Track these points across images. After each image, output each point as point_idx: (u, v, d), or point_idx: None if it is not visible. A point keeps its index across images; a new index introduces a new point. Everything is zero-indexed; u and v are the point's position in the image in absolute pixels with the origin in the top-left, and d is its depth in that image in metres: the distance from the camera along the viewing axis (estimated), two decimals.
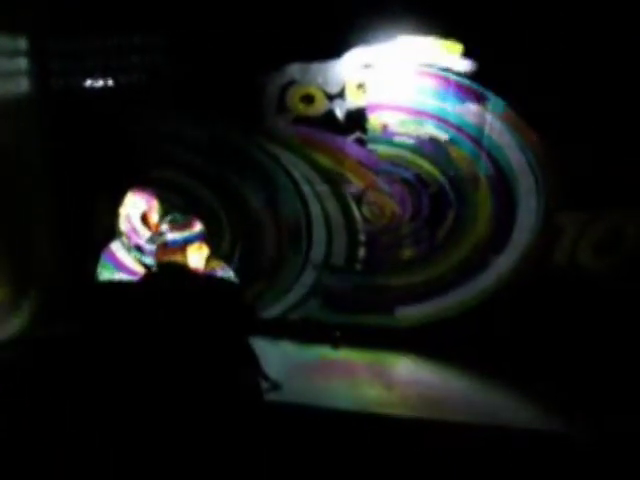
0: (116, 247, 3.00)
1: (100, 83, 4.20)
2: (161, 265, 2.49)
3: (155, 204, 3.03)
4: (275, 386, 3.22)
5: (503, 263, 3.84)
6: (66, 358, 3.52)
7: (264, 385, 2.97)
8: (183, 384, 2.35)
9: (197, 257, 2.48)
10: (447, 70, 3.62)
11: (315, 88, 3.85)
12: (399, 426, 3.05)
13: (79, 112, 4.28)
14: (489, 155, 3.71)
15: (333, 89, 3.82)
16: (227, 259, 3.07)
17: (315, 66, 3.81)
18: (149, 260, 2.89)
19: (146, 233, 2.95)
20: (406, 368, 3.72)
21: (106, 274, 2.94)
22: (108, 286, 2.93)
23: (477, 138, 3.70)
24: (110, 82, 4.18)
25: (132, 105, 4.18)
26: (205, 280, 2.56)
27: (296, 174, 4.06)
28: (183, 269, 2.48)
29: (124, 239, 3.01)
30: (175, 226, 2.47)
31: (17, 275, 4.26)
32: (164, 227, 2.48)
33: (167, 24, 3.95)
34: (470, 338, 3.80)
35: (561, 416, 3.10)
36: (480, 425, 3.00)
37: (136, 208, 2.97)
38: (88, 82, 4.21)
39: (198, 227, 2.53)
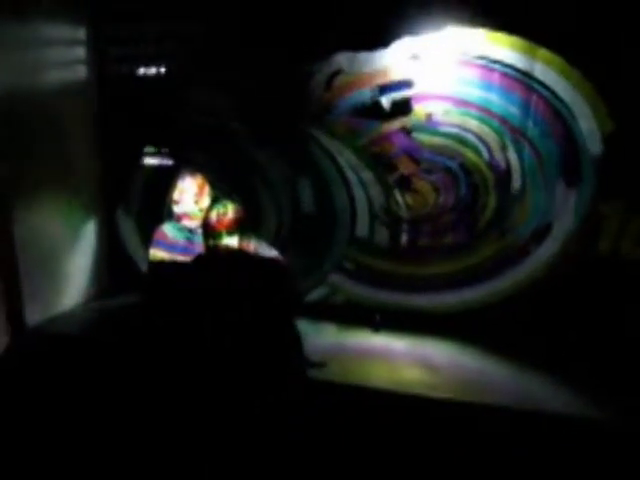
0: (167, 228, 3.11)
1: (154, 69, 4.33)
2: (211, 248, 2.60)
3: (205, 187, 3.13)
4: (320, 365, 3.33)
5: (544, 252, 3.86)
6: (125, 329, 3.65)
7: (308, 364, 3.08)
8: (234, 362, 2.46)
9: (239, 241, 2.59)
10: (493, 61, 3.66)
11: (361, 77, 3.91)
12: (438, 408, 3.08)
13: (133, 99, 4.45)
14: (532, 145, 3.74)
15: (379, 79, 3.88)
16: (271, 242, 3.15)
17: (362, 55, 3.88)
18: (199, 241, 2.99)
19: (197, 216, 3.06)
20: (446, 352, 3.75)
21: (159, 254, 3.05)
22: (163, 265, 3.04)
23: (521, 129, 3.73)
24: (163, 68, 4.31)
25: (183, 91, 4.32)
26: (254, 261, 2.66)
27: (341, 161, 4.14)
28: (233, 252, 2.58)
29: (176, 221, 3.13)
30: (220, 214, 2.58)
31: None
32: (212, 215, 2.60)
33: (217, 10, 4.06)
34: (510, 325, 3.85)
35: (600, 403, 3.09)
36: (518, 409, 3.01)
37: (187, 191, 3.08)
38: (143, 68, 4.35)
39: (241, 215, 2.64)
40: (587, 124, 3.60)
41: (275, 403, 2.48)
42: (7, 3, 3.55)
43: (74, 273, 4.37)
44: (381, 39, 3.81)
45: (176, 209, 3.11)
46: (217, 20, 4.10)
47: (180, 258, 2.98)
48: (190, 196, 3.07)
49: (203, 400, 2.47)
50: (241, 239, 2.60)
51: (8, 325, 3.71)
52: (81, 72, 4.34)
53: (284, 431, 2.53)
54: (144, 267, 3.83)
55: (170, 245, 3.04)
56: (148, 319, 3.00)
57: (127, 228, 4.72)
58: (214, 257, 2.60)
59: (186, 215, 3.09)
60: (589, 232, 3.73)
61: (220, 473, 2.42)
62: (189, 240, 3.05)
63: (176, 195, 3.10)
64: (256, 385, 2.44)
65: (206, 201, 3.10)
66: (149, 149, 4.48)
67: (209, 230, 2.54)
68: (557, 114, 3.64)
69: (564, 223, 3.77)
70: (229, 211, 2.55)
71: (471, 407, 3.06)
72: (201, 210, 3.05)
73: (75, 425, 3.14)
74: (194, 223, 3.07)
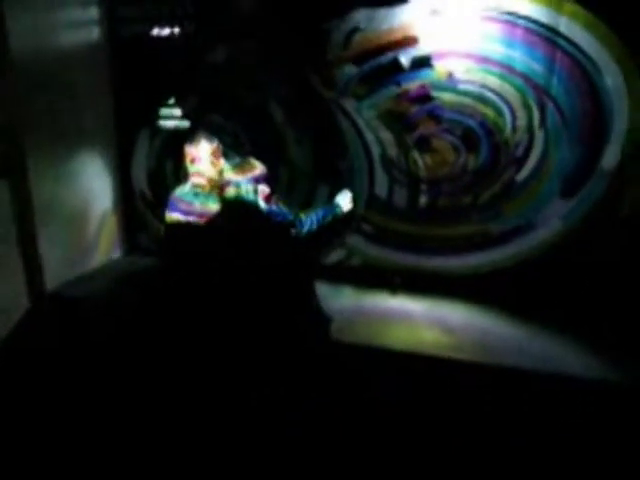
0: (182, 193, 3.08)
1: (167, 30, 4.26)
2: (226, 206, 2.59)
3: (220, 148, 3.09)
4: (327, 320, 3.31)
5: (564, 215, 3.80)
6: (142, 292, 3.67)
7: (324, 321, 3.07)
8: (242, 321, 2.47)
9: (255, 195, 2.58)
10: (517, 16, 3.54)
11: (381, 34, 3.82)
12: (454, 368, 3.10)
13: (147, 59, 4.40)
14: (556, 104, 3.64)
15: (398, 35, 3.78)
16: (288, 201, 3.13)
17: (381, 12, 3.77)
18: (215, 203, 2.97)
19: (214, 176, 3.03)
20: (463, 315, 3.75)
21: (174, 217, 3.04)
22: (178, 227, 3.03)
23: (544, 87, 3.63)
24: (177, 29, 4.24)
25: (197, 52, 4.26)
26: (267, 222, 2.65)
27: (359, 121, 4.08)
28: (247, 211, 2.57)
29: (191, 183, 3.09)
30: (238, 169, 2.56)
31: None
32: (228, 170, 2.58)
33: None
34: (526, 287, 3.82)
35: (617, 366, 3.09)
36: (532, 371, 3.03)
37: (202, 152, 3.03)
38: (155, 29, 4.28)
39: (259, 169, 2.61)
40: (614, 81, 3.47)
41: (290, 363, 2.51)
42: None
43: (92, 237, 4.39)
44: None
45: (191, 168, 3.07)
46: None
47: (196, 221, 2.97)
48: (206, 157, 3.03)
49: (218, 361, 2.51)
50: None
51: (28, 289, 3.75)
52: (94, 32, 4.30)
53: (302, 391, 2.56)
54: (160, 230, 3.83)
55: (185, 210, 3.02)
56: (164, 281, 3.01)
57: (143, 191, 4.71)
58: (228, 218, 2.59)
59: (200, 174, 3.05)
60: (612, 194, 3.63)
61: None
62: (205, 204, 3.02)
63: (192, 155, 3.06)
64: (269, 346, 2.45)
65: (222, 163, 3.07)
66: (164, 111, 4.43)
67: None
68: (583, 71, 3.52)
69: (587, 184, 3.68)
70: (244, 164, 2.56)
71: (487, 369, 3.08)
72: (218, 172, 3.02)
73: (90, 388, 3.18)
74: (207, 184, 3.04)
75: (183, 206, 3.01)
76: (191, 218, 2.98)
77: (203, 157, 3.00)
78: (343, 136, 4.15)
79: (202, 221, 2.91)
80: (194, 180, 3.05)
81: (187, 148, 3.06)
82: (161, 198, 3.25)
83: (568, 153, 3.70)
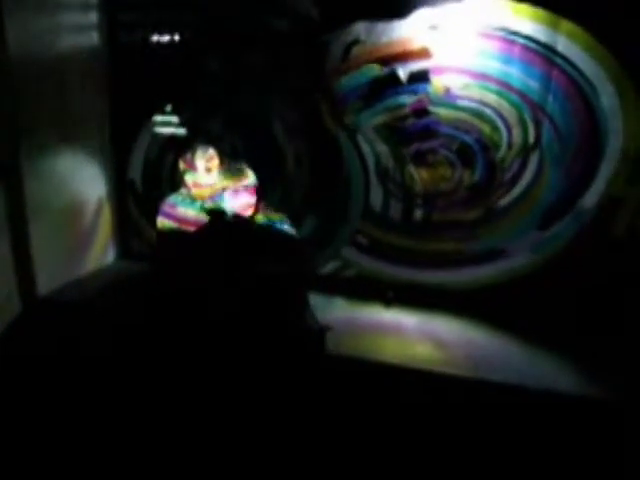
0: (176, 200, 3.08)
1: (167, 36, 4.26)
2: (217, 215, 2.60)
3: (216, 158, 3.09)
4: (327, 328, 3.31)
5: (559, 232, 3.82)
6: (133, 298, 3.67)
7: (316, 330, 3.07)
8: (238, 331, 2.47)
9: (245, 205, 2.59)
10: (515, 34, 3.56)
11: (379, 47, 3.83)
12: (446, 383, 3.10)
13: (145, 63, 4.39)
14: (551, 122, 3.66)
15: (397, 49, 3.80)
16: (283, 212, 3.12)
17: (380, 25, 3.79)
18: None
19: (208, 186, 3.03)
20: (455, 329, 3.75)
21: (167, 224, 3.04)
22: (170, 235, 3.03)
23: (540, 104, 3.65)
24: (177, 35, 4.24)
25: (197, 59, 4.26)
26: (262, 230, 2.65)
27: (356, 133, 4.08)
28: (240, 219, 2.57)
29: (186, 192, 3.09)
30: (231, 177, 2.57)
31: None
32: (222, 178, 2.58)
33: None
34: (521, 303, 3.83)
35: (607, 384, 3.10)
36: (525, 387, 3.03)
37: (198, 161, 3.03)
38: (155, 35, 4.28)
39: (250, 178, 2.62)
40: (610, 102, 3.50)
41: (282, 374, 2.51)
42: None
43: (85, 241, 4.37)
44: (400, 9, 3.72)
45: (187, 178, 3.07)
46: None
47: (189, 229, 2.97)
48: (202, 166, 3.03)
49: (209, 369, 2.51)
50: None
51: (20, 293, 3.73)
52: (93, 37, 4.28)
53: (290, 402, 2.56)
54: (153, 236, 3.83)
55: (178, 217, 3.02)
56: (156, 288, 3.01)
57: (137, 196, 4.70)
58: (221, 227, 2.60)
59: (197, 184, 3.05)
60: (606, 212, 3.66)
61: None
62: (200, 213, 3.02)
63: (188, 164, 3.06)
64: (266, 354, 2.46)
65: (216, 173, 3.06)
66: (161, 118, 4.43)
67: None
68: (579, 90, 3.55)
69: (582, 203, 3.70)
70: (236, 172, 2.58)
71: (479, 384, 3.08)
72: (213, 181, 3.03)
73: (82, 393, 3.16)
74: (203, 193, 3.04)
75: (176, 214, 3.02)
76: (184, 226, 2.99)
77: (199, 166, 3.00)
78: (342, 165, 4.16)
79: (195, 229, 2.92)
80: (189, 188, 3.06)
81: (183, 157, 3.07)
82: (154, 204, 3.23)
83: (562, 171, 3.71)
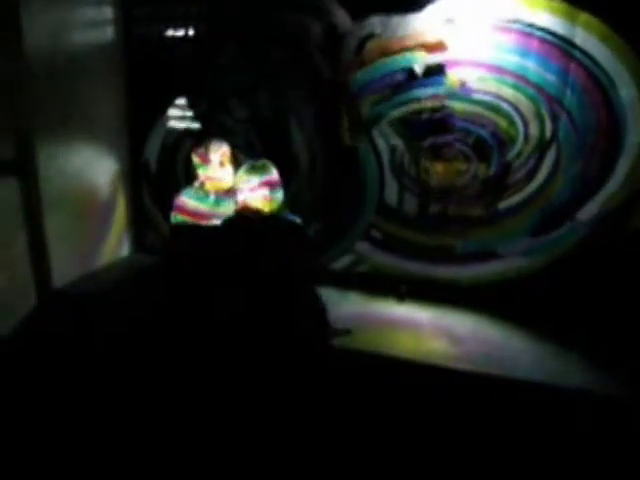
0: (189, 195, 3.08)
1: (182, 30, 4.27)
2: (237, 213, 2.60)
3: (228, 153, 3.09)
4: (346, 332, 3.33)
5: (574, 227, 3.77)
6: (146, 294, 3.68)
7: (333, 332, 3.08)
8: (248, 330, 2.47)
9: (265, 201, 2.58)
10: (532, 27, 3.52)
11: (395, 41, 3.81)
12: (460, 379, 3.09)
13: (160, 57, 4.40)
14: (569, 116, 3.62)
15: (412, 43, 3.77)
16: (298, 208, 3.11)
17: (396, 18, 3.76)
18: (225, 205, 2.97)
19: (222, 179, 3.03)
20: (470, 324, 3.73)
21: (180, 218, 3.04)
22: (184, 228, 3.03)
23: (558, 98, 3.61)
24: (192, 29, 4.24)
25: (212, 52, 4.26)
26: (278, 227, 2.64)
27: (371, 127, 4.06)
28: (258, 217, 2.57)
29: (198, 185, 3.09)
30: (252, 171, 2.57)
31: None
32: (244, 175, 2.58)
33: None
34: (536, 299, 3.80)
35: (623, 382, 3.07)
36: (539, 383, 3.01)
37: (212, 155, 3.03)
38: (170, 29, 4.29)
39: (274, 173, 2.61)
40: (629, 94, 3.45)
41: (292, 371, 2.50)
42: None
43: (100, 234, 4.39)
44: (415, 2, 3.69)
45: (201, 172, 3.07)
46: None
47: (203, 223, 2.97)
48: (216, 160, 3.03)
49: (217, 367, 2.51)
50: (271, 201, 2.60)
51: (36, 286, 3.76)
52: (109, 32, 4.31)
53: (303, 399, 2.55)
54: (167, 230, 3.84)
55: (191, 212, 3.03)
56: (169, 282, 3.02)
57: (152, 190, 4.72)
58: (240, 222, 2.60)
59: (210, 178, 3.05)
60: (623, 207, 3.61)
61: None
62: (213, 208, 3.02)
63: (201, 158, 3.06)
64: (271, 353, 2.45)
65: (230, 167, 3.06)
66: (176, 112, 4.44)
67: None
68: (597, 83, 3.50)
69: (598, 201, 3.67)
70: (260, 166, 2.57)
71: (493, 379, 3.06)
72: (228, 175, 3.03)
73: (95, 385, 3.19)
74: (217, 187, 3.04)
75: (189, 208, 3.02)
76: (197, 220, 2.99)
77: (213, 160, 3.00)
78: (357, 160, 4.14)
79: (209, 223, 2.92)
80: (203, 183, 3.06)
81: (196, 151, 3.06)
82: (169, 198, 3.23)
83: (580, 165, 3.67)
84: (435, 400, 2.98)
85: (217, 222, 2.76)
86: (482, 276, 4.04)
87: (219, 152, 3.03)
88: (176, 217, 3.06)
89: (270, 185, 2.58)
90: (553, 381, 3.02)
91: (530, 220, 3.86)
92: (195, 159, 3.08)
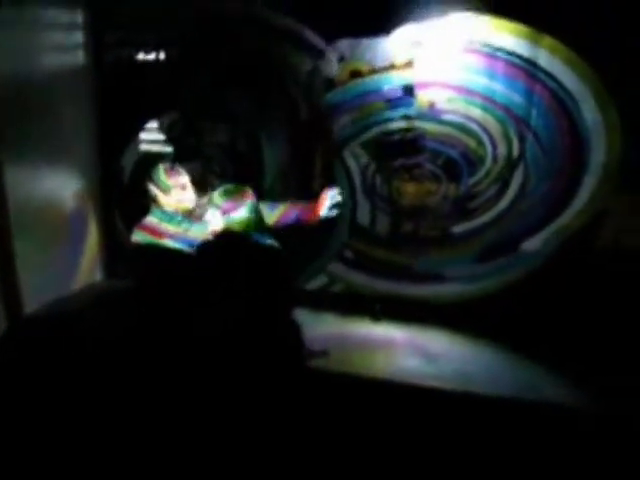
0: (155, 216, 3.03)
1: (153, 56, 4.27)
2: (215, 236, 2.59)
3: (185, 173, 3.04)
4: (323, 354, 3.33)
5: (544, 244, 3.84)
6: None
7: (310, 353, 3.07)
8: (226, 353, 2.46)
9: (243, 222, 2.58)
10: (498, 49, 3.61)
11: (363, 64, 3.87)
12: (437, 398, 3.09)
13: (131, 82, 4.38)
14: (536, 136, 3.70)
15: (381, 65, 3.84)
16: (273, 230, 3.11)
17: (364, 42, 3.83)
18: (195, 228, 2.94)
19: (185, 201, 2.99)
20: (445, 342, 3.74)
21: (146, 240, 2.98)
22: (151, 252, 2.98)
23: (525, 119, 3.69)
24: (162, 55, 4.25)
25: (181, 78, 4.26)
26: (251, 249, 2.64)
27: (343, 148, 4.10)
28: (236, 238, 2.57)
29: (164, 209, 3.04)
30: (230, 196, 2.56)
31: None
32: (218, 198, 2.57)
33: None
34: (507, 316, 3.83)
35: (595, 396, 3.10)
36: (516, 399, 3.03)
37: (174, 178, 2.99)
38: (141, 54, 4.29)
39: (251, 194, 2.61)
40: (592, 115, 3.55)
41: (271, 392, 2.49)
42: None
43: (72, 259, 4.34)
44: (383, 25, 3.76)
45: (166, 199, 3.02)
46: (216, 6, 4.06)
47: (171, 245, 2.93)
48: (178, 183, 2.99)
49: (195, 391, 2.48)
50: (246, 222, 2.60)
51: (5, 312, 3.69)
52: (79, 56, 4.27)
53: (281, 420, 2.53)
54: (135, 254, 3.79)
55: (157, 232, 2.98)
56: (138, 308, 2.98)
57: (122, 214, 4.68)
58: (213, 245, 2.59)
59: (178, 207, 3.00)
60: (591, 225, 3.70)
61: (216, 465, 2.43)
62: (181, 228, 2.98)
63: (167, 183, 3.01)
64: (250, 375, 2.44)
65: (191, 191, 3.01)
66: (147, 136, 4.42)
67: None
68: (562, 104, 3.60)
69: (566, 215, 3.73)
70: (236, 192, 2.57)
71: (469, 397, 3.06)
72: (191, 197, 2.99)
73: (69, 411, 3.13)
74: (179, 208, 3.00)
75: (156, 227, 2.97)
76: (169, 243, 2.95)
77: (174, 183, 2.96)
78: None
79: (182, 246, 2.89)
80: (170, 209, 3.02)
81: (161, 175, 3.01)
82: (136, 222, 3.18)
83: (547, 185, 3.75)
84: (411, 419, 2.97)
85: (186, 245, 2.74)
86: (444, 295, 4.09)
87: (180, 175, 3.00)
88: (140, 235, 2.97)
89: (245, 208, 2.58)
90: (525, 396, 3.04)
91: (479, 246, 3.96)
92: (159, 183, 3.03)
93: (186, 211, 2.96)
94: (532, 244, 3.84)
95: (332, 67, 3.96)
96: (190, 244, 2.78)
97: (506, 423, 2.90)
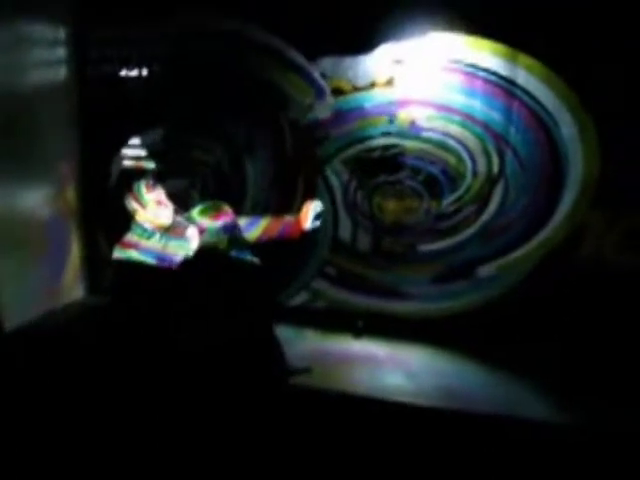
0: (135, 232, 3.01)
1: (135, 71, 4.29)
2: (197, 252, 2.59)
3: (161, 189, 3.03)
4: (305, 371, 3.31)
5: (524, 259, 3.87)
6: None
7: (291, 370, 3.06)
8: (206, 368, 2.45)
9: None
10: (476, 67, 3.67)
11: (345, 81, 3.91)
12: (418, 415, 3.08)
13: (112, 99, 4.38)
14: (514, 152, 3.75)
15: (362, 83, 3.88)
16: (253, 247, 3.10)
17: (346, 60, 3.87)
18: (173, 244, 2.92)
19: (161, 218, 2.97)
20: (426, 359, 3.75)
21: (126, 256, 2.97)
22: (131, 268, 2.97)
23: (503, 135, 3.74)
24: (144, 70, 4.27)
25: (162, 94, 4.28)
26: (233, 266, 2.64)
27: (324, 165, 4.12)
28: (216, 255, 2.57)
29: (144, 225, 3.03)
30: (208, 212, 2.56)
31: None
32: (197, 215, 2.57)
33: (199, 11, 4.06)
34: (488, 330, 3.86)
35: (577, 410, 3.12)
36: (496, 415, 3.03)
37: (150, 194, 2.98)
38: (123, 70, 4.31)
39: (229, 211, 2.61)
40: (569, 132, 3.62)
41: (250, 408, 2.48)
42: None
43: (54, 276, 4.31)
44: (365, 44, 3.81)
45: (144, 215, 3.00)
46: (199, 23, 4.08)
47: (151, 262, 2.91)
48: (153, 199, 2.98)
49: (178, 405, 2.47)
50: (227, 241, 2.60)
51: None
52: (62, 72, 4.28)
53: (260, 437, 2.52)
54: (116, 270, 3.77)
55: (140, 250, 2.97)
56: (117, 323, 2.97)
57: (103, 230, 4.66)
58: (199, 262, 2.59)
59: (154, 223, 2.99)
60: (571, 240, 3.74)
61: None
62: (160, 245, 2.96)
63: (145, 197, 2.99)
64: (229, 391, 2.43)
65: (169, 207, 3.00)
66: (127, 152, 4.42)
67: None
68: (539, 121, 3.67)
69: (546, 230, 3.77)
70: (215, 209, 2.56)
71: (449, 414, 3.07)
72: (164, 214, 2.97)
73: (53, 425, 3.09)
74: (155, 225, 2.99)
75: (137, 244, 2.96)
76: (149, 259, 2.94)
77: (150, 199, 2.95)
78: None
79: (162, 263, 2.88)
80: (141, 222, 3.00)
81: (142, 189, 3.00)
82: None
83: (526, 200, 3.79)
84: (391, 436, 2.96)
85: (167, 260, 2.73)
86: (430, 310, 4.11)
87: (156, 191, 2.98)
88: (121, 252, 2.95)
89: (226, 224, 2.58)
90: (511, 413, 3.04)
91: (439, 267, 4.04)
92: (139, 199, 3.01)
93: (162, 227, 2.95)
94: (487, 270, 3.91)
95: (326, 110, 4.00)
96: (169, 260, 2.77)
97: (486, 439, 2.90)
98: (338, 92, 3.96)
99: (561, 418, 3.04)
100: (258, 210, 4.12)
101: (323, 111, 3.99)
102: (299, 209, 3.07)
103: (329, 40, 3.85)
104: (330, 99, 3.96)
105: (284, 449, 2.66)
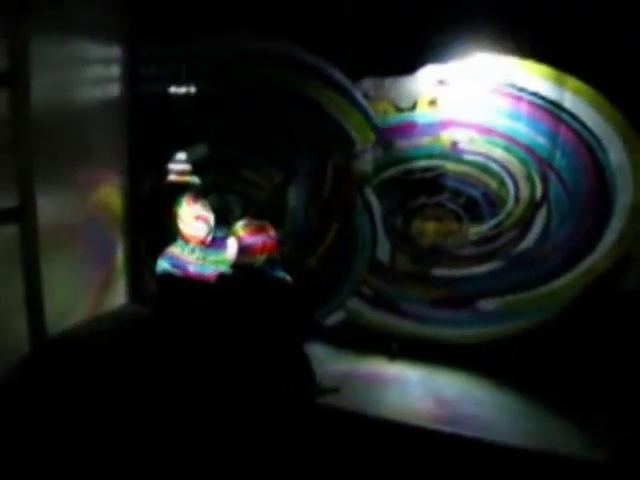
0: (177, 245, 3.10)
1: (183, 89, 4.42)
2: (234, 268, 2.63)
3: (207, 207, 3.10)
4: (333, 390, 3.30)
5: (566, 287, 3.75)
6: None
7: (321, 389, 3.05)
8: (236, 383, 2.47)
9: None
10: (522, 90, 3.60)
11: (387, 103, 3.90)
12: (446, 442, 3.02)
13: (163, 114, 4.52)
14: (559, 177, 3.64)
15: (405, 104, 3.86)
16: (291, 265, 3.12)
17: (388, 81, 3.87)
18: (211, 257, 2.99)
19: (197, 234, 3.04)
20: (458, 385, 3.69)
21: (168, 269, 3.04)
22: (173, 280, 3.04)
23: (548, 160, 3.65)
24: (193, 88, 4.39)
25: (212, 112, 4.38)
26: (272, 282, 2.66)
27: (364, 186, 4.13)
28: (254, 271, 2.60)
29: (184, 241, 3.10)
30: (251, 229, 2.60)
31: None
32: (239, 229, 2.61)
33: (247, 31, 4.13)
34: (526, 359, 3.74)
35: (612, 447, 2.98)
36: (526, 449, 2.93)
37: (199, 209, 3.05)
38: (172, 87, 4.44)
39: (272, 231, 2.64)
40: (618, 157, 3.49)
41: (274, 423, 2.48)
42: (50, 24, 3.68)
43: (98, 282, 4.44)
44: (408, 65, 3.81)
45: (184, 228, 3.07)
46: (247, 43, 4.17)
47: (190, 274, 2.98)
48: (191, 214, 3.04)
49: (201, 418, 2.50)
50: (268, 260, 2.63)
51: (30, 334, 3.78)
52: (115, 89, 4.44)
53: (287, 456, 2.52)
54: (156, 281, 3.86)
55: (182, 263, 3.04)
56: (155, 336, 3.03)
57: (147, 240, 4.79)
58: (235, 278, 2.63)
59: (193, 237, 3.06)
60: (615, 270, 3.59)
61: None
62: (201, 258, 3.04)
63: (187, 212, 3.07)
64: (255, 404, 2.44)
65: (207, 223, 3.06)
66: (173, 166, 4.53)
67: (249, 251, 2.58)
68: (586, 146, 3.56)
69: (590, 259, 3.64)
70: (257, 225, 2.61)
71: (479, 444, 2.99)
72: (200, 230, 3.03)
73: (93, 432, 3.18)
74: (191, 240, 3.05)
75: (180, 260, 3.04)
76: (186, 269, 3.01)
77: (188, 214, 3.03)
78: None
79: (196, 276, 2.94)
80: (185, 238, 3.08)
81: (183, 204, 3.09)
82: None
83: (571, 227, 3.69)
84: (420, 463, 2.91)
85: (206, 273, 2.79)
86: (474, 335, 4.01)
87: (196, 206, 3.05)
88: (163, 263, 3.03)
89: (265, 242, 2.60)
90: (542, 447, 2.94)
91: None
92: (181, 214, 3.10)
93: (201, 241, 3.03)
94: (489, 304, 3.85)
95: (367, 165, 4.05)
96: (206, 274, 2.85)
97: (516, 472, 2.81)
98: (380, 113, 3.95)
99: (597, 455, 2.91)
100: (292, 231, 4.18)
101: (366, 164, 4.03)
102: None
103: (372, 61, 3.84)
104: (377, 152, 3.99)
105: (305, 467, 2.65)
